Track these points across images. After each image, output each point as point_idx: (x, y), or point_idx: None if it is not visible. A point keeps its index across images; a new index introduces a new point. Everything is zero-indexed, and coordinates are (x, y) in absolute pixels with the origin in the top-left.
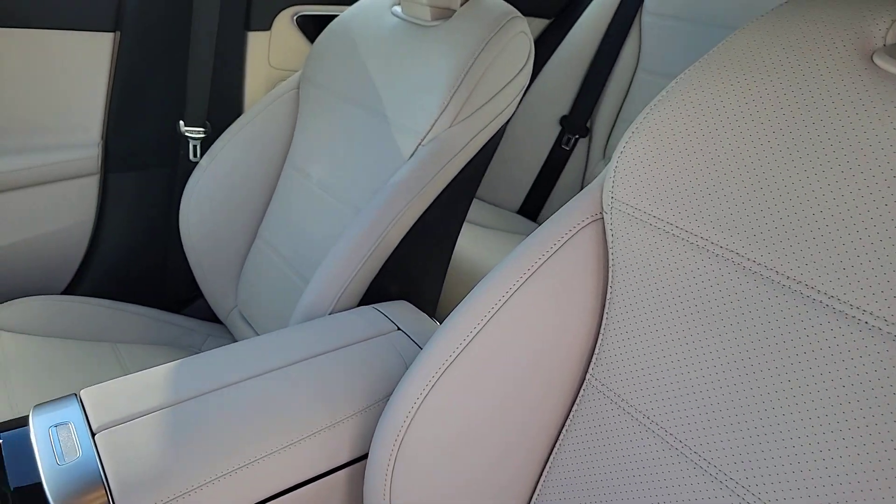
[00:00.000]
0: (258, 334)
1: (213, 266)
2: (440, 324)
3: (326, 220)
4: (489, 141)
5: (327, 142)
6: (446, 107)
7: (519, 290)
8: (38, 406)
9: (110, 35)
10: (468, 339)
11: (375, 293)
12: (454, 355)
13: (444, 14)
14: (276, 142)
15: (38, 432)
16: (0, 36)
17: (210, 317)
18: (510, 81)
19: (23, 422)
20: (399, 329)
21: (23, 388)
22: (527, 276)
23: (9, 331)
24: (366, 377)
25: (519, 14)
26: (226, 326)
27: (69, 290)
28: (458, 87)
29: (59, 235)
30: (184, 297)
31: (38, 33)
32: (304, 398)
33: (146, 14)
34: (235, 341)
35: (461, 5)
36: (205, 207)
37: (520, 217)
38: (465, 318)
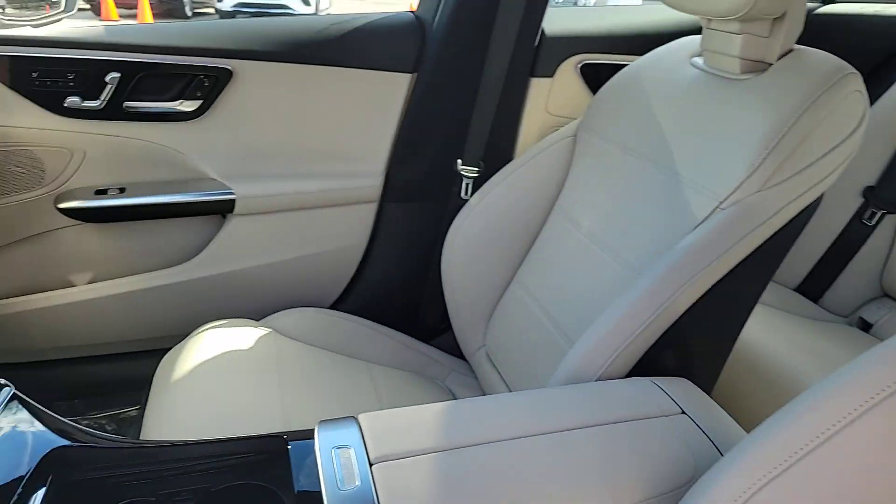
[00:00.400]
0: (504, 379)
1: (466, 302)
2: (723, 410)
3: (595, 275)
4: (803, 211)
5: (604, 193)
6: (757, 168)
7: (867, 414)
8: (322, 423)
9: (408, 76)
10: (792, 460)
11: (648, 363)
12: (770, 476)
13: (757, 67)
14: (546, 187)
15: (322, 451)
16: (315, 72)
17: (456, 351)
18: (838, 145)
19: (308, 434)
20: (683, 412)
21: (293, 393)
22: (879, 398)
23: (287, 336)
24: (648, 463)
25: (854, 70)
26: (469, 364)
27: (335, 306)
28: (775, 147)
29: (335, 254)
30: (434, 328)
31: (347, 71)
32: (580, 473)
33: (443, 59)
34: (478, 381)
35: (779, 59)
36: (468, 244)
37: (798, 296)
38: (789, 431)
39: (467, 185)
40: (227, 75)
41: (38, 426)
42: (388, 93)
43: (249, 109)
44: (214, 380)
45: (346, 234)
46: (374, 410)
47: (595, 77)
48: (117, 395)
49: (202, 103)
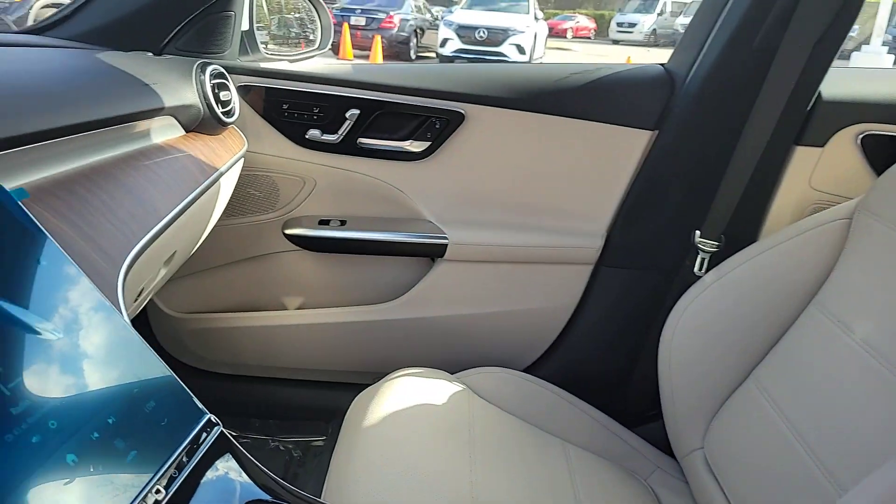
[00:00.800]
0: (725, 494)
1: (686, 392)
2: None
3: (876, 399)
4: None
5: (891, 295)
6: None
7: None
8: None
9: (648, 133)
10: None
11: None
12: None
13: None
14: (803, 275)
15: None
16: (547, 122)
17: (664, 445)
18: None
19: None
20: None
21: (483, 463)
22: None
23: (481, 397)
24: None
25: None
26: (679, 464)
27: (530, 369)
28: None
29: (539, 314)
30: (641, 413)
31: (582, 123)
32: None
33: (693, 117)
34: (689, 486)
35: None
36: (695, 326)
37: None
38: None
39: (703, 259)
40: (458, 118)
41: (244, 476)
42: (623, 149)
43: (475, 155)
44: (406, 432)
45: (555, 294)
46: None
47: (881, 151)
48: (307, 422)
49: (430, 145)
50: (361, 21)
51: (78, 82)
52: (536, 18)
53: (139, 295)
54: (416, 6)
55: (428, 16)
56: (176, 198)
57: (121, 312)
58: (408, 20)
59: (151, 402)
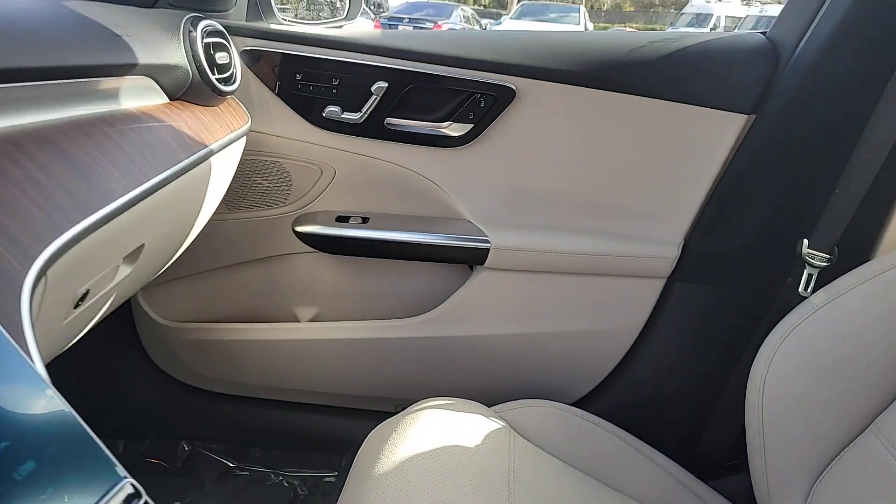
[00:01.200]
0: None
1: (782, 441)
2: None
3: None
4: None
5: None
6: None
7: None
8: None
9: (742, 118)
10: None
11: None
12: None
13: None
14: None
15: None
16: (615, 101)
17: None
18: None
19: None
20: None
21: None
22: None
23: (525, 438)
24: None
25: None
26: None
27: (582, 402)
28: None
29: (595, 337)
30: (719, 463)
31: (657, 104)
32: None
33: (804, 98)
34: None
35: None
36: (797, 358)
37: None
38: None
39: (810, 275)
40: (508, 95)
41: None
42: (710, 138)
43: (527, 140)
44: (431, 474)
45: (617, 313)
46: None
47: None
48: (316, 453)
49: (473, 128)
50: (409, 30)
51: (16, 23)
52: (587, 30)
53: (83, 298)
54: (464, 17)
55: (477, 27)
56: (140, 176)
57: (21, 323)
58: (455, 30)
59: (29, 464)
